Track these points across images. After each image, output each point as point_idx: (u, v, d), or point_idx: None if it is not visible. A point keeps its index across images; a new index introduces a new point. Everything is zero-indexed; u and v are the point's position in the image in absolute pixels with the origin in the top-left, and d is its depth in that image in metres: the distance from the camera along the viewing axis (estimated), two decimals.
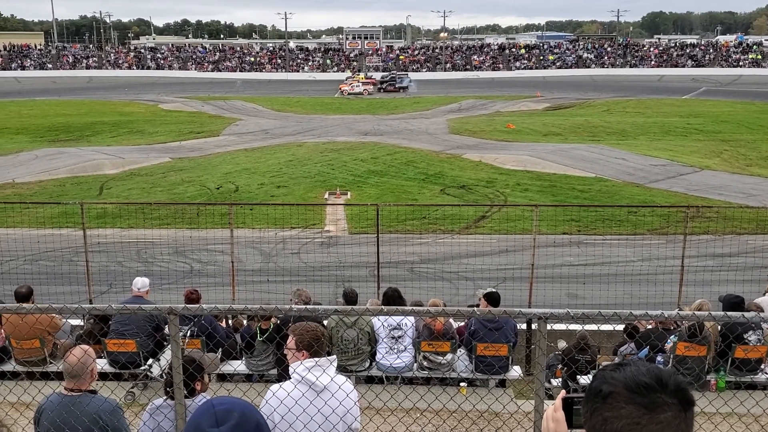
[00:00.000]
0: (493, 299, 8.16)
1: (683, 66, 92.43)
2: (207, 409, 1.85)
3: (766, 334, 8.06)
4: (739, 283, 13.02)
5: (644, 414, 1.47)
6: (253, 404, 1.98)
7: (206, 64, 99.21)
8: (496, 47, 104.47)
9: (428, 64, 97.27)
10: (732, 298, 8.07)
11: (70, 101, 59.63)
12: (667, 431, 1.46)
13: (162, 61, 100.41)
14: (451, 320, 8.33)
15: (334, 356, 3.82)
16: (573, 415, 1.75)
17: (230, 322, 10.03)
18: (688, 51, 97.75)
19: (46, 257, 16.81)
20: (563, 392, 1.84)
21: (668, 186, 26.18)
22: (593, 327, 9.80)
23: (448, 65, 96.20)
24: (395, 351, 7.98)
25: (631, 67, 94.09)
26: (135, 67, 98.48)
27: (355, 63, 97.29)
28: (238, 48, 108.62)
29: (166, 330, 8.24)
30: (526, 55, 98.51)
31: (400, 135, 39.66)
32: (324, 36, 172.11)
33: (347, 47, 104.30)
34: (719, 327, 8.00)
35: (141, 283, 8.52)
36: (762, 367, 8.02)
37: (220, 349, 8.58)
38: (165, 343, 8.10)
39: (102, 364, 7.59)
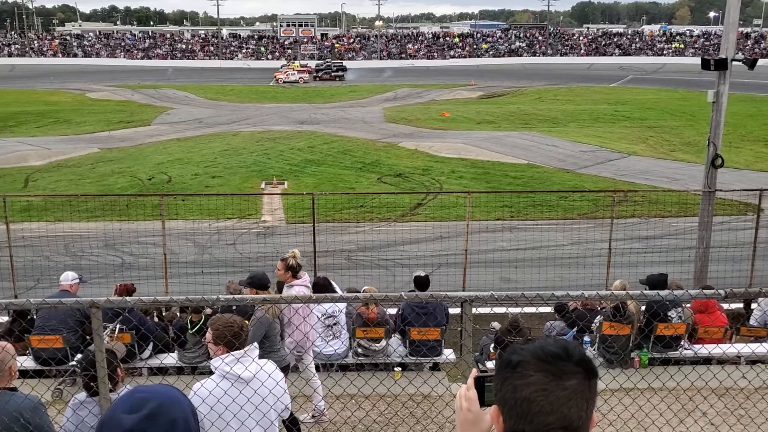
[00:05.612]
0: (420, 283, 8.28)
1: (611, 55, 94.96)
2: (128, 395, 1.84)
3: (685, 312, 8.44)
4: (663, 265, 13.52)
5: (551, 381, 1.54)
6: (183, 400, 1.91)
7: (136, 51, 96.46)
8: (430, 36, 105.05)
9: (363, 53, 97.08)
10: (656, 276, 8.37)
11: None
12: (573, 397, 1.54)
13: (89, 49, 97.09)
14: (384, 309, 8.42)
15: (253, 345, 3.80)
16: (485, 392, 1.81)
17: (163, 314, 9.88)
18: (615, 40, 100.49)
19: None
20: (474, 371, 1.89)
21: (597, 171, 26.95)
22: (530, 309, 10.05)
23: (384, 53, 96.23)
24: (329, 338, 8.01)
25: (561, 55, 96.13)
26: (61, 55, 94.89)
27: (289, 51, 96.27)
28: (169, 35, 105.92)
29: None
30: (460, 44, 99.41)
31: (337, 124, 39.54)
32: (257, 23, 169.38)
33: (282, 35, 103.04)
34: (643, 306, 8.33)
35: (68, 276, 8.29)
36: (681, 343, 8.39)
37: (149, 342, 8.43)
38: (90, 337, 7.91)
39: (22, 361, 7.37)
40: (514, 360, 1.59)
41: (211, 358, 3.74)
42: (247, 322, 4.17)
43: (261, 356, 6.29)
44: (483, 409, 1.80)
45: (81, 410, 4.03)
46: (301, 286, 6.93)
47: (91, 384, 3.91)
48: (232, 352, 3.65)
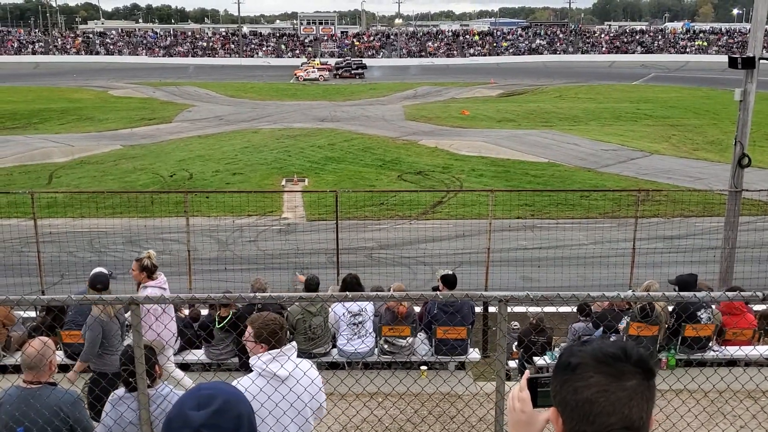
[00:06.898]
0: (449, 281, 8.27)
1: (633, 52, 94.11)
2: (193, 392, 1.87)
3: (714, 313, 8.36)
4: (687, 265, 13.41)
5: (612, 381, 1.56)
6: (244, 396, 1.96)
7: (157, 49, 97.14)
8: (450, 34, 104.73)
9: (384, 51, 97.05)
10: (686, 277, 8.27)
11: (15, 87, 57.79)
12: (633, 397, 1.55)
13: (111, 47, 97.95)
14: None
15: (293, 344, 3.83)
16: (537, 396, 1.82)
17: (186, 311, 9.95)
18: (637, 37, 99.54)
19: None
20: (527, 373, 1.91)
21: (619, 170, 26.74)
22: (549, 309, 10.02)
23: (404, 51, 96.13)
24: (357, 336, 8.03)
25: (582, 53, 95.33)
26: (83, 53, 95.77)
27: (310, 48, 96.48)
28: (190, 33, 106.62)
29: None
30: (480, 42, 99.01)
31: (357, 121, 39.60)
32: (278, 21, 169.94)
33: (302, 32, 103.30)
34: (670, 307, 8.26)
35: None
36: (710, 345, 8.32)
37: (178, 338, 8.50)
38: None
39: (58, 356, 7.44)
40: (573, 362, 1.60)
41: (250, 356, 3.76)
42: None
43: (99, 355, 6.33)
44: (536, 410, 1.81)
45: (120, 405, 4.09)
46: (155, 288, 6.92)
47: (130, 380, 3.97)
48: (269, 351, 3.68)
